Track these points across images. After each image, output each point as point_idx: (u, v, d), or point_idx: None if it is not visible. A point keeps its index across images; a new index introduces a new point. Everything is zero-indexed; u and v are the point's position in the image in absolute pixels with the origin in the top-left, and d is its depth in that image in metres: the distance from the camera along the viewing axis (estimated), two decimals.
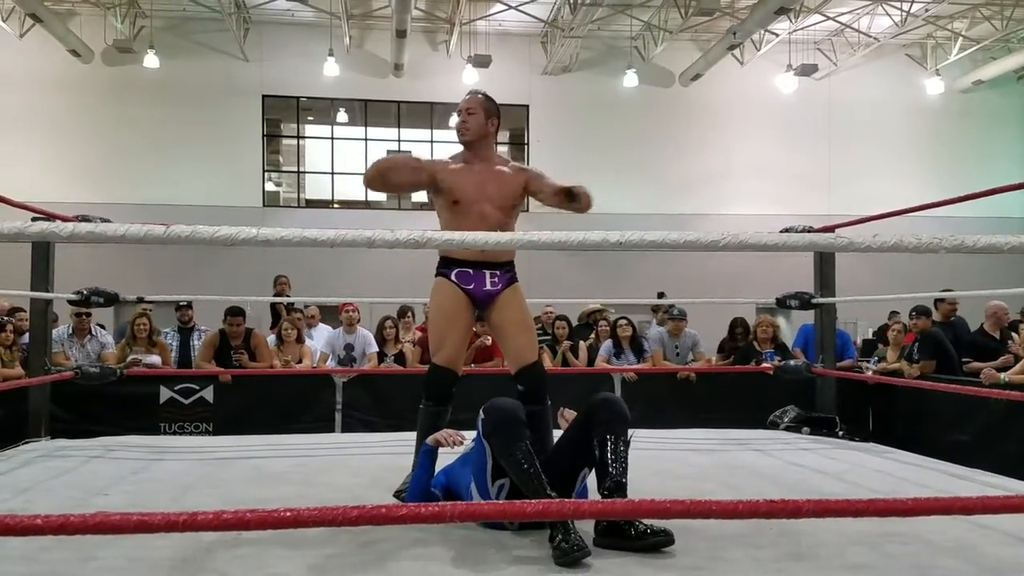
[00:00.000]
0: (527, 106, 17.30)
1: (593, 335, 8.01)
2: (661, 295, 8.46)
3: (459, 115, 3.32)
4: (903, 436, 5.18)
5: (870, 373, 6.25)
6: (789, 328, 11.06)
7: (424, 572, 2.24)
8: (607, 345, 7.21)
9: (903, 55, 17.57)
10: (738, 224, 15.25)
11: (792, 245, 2.11)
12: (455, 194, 3.20)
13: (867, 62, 17.15)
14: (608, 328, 7.43)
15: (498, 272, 3.24)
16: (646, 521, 2.40)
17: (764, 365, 5.82)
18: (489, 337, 6.73)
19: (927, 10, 15.41)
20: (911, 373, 5.83)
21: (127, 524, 1.43)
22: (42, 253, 4.58)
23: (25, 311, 6.34)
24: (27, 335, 6.03)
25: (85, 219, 3.67)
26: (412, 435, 4.56)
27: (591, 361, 7.25)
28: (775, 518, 1.63)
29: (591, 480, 2.68)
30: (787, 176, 16.90)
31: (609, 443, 2.55)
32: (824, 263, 4.90)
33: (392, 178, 3.23)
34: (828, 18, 15.99)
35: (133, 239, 1.74)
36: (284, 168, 17.98)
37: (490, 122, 3.31)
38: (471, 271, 3.21)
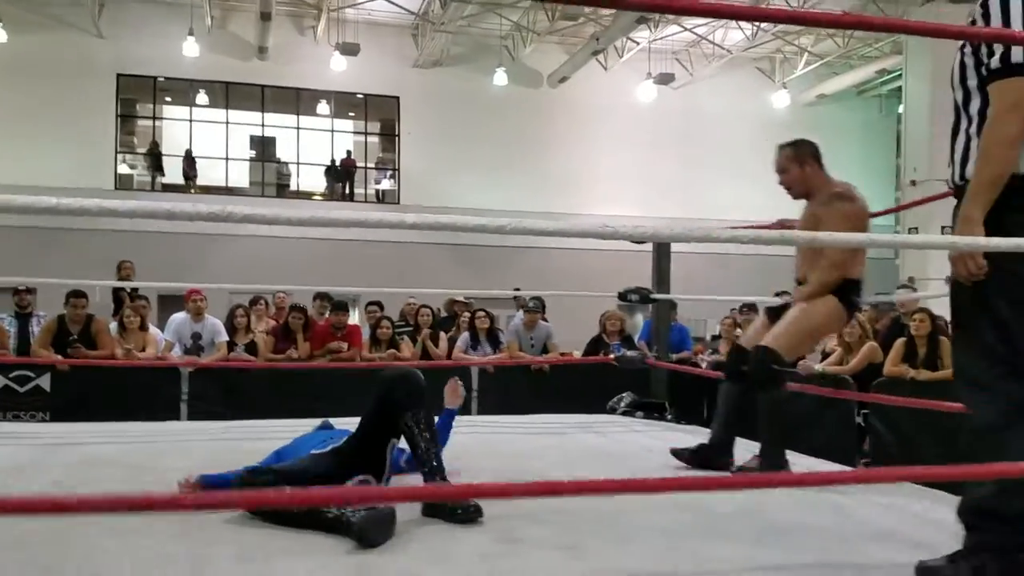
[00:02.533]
0: (397, 98, 17.27)
1: (455, 327, 8.16)
2: (517, 290, 8.76)
3: None
4: None
5: (704, 365, 6.71)
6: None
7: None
8: (464, 337, 7.37)
9: (754, 68, 18.70)
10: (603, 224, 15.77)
11: (625, 235, 2.25)
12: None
13: (721, 73, 18.15)
14: (468, 320, 7.59)
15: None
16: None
17: (609, 356, 6.14)
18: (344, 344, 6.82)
19: (776, 25, 16.48)
20: None
21: None
22: None
23: None
24: None
25: None
26: (261, 423, 4.57)
27: (451, 352, 7.39)
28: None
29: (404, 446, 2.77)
30: (648, 181, 17.59)
31: (413, 427, 2.60)
32: (661, 260, 5.22)
33: None
34: (685, 29, 16.82)
35: None
36: (139, 150, 17.16)
37: (805, 168, 3.41)
38: None
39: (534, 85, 17.68)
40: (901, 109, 15.90)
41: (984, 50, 2.00)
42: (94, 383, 5.76)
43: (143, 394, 5.81)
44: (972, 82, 2.06)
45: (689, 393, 5.90)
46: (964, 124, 2.12)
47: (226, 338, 6.66)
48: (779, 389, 3.26)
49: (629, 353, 5.71)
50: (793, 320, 3.28)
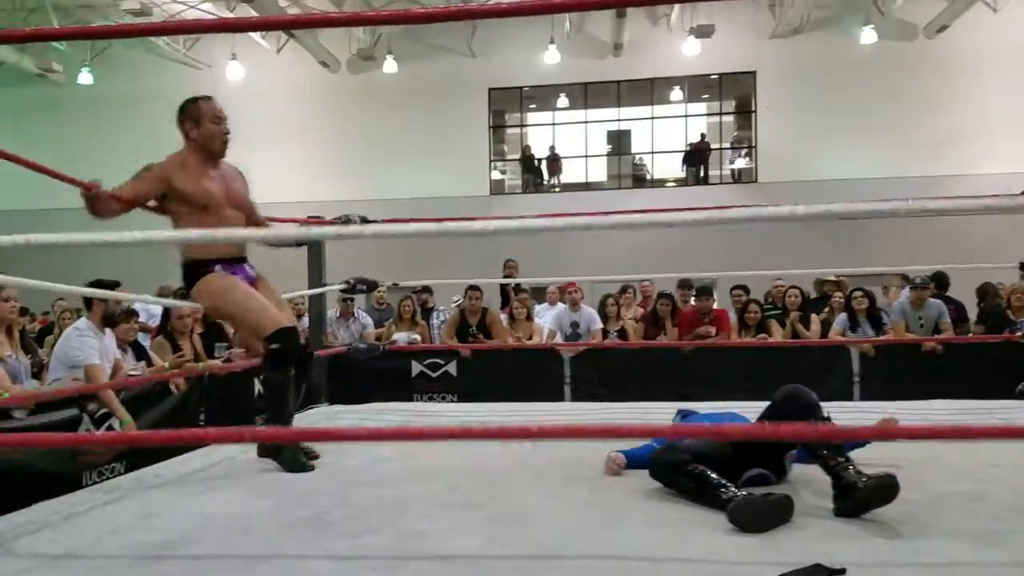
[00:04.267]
0: (754, 72, 16.78)
1: (827, 309, 7.77)
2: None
3: (222, 123, 3.39)
4: None
5: None
6: None
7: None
8: (841, 318, 6.99)
9: None
10: (995, 184, 13.81)
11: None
12: (203, 199, 3.28)
13: None
14: (842, 301, 7.19)
15: (249, 264, 3.50)
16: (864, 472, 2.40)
17: (1016, 334, 5.43)
18: (712, 328, 6.90)
19: None
20: None
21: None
22: (316, 250, 5.34)
23: (302, 297, 7.34)
24: (303, 319, 7.01)
25: (347, 219, 4.26)
26: (637, 404, 4.82)
27: (825, 336, 7.06)
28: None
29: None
30: None
31: (823, 453, 2.49)
32: None
33: (101, 210, 3.09)
34: None
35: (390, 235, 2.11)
36: (509, 157, 18.77)
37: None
38: (233, 265, 3.40)
39: (908, 39, 15.99)
40: None
41: None
42: (492, 368, 6.51)
43: (533, 377, 6.44)
44: None
45: None
46: None
47: (601, 326, 7.10)
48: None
49: None
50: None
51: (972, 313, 7.52)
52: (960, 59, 15.59)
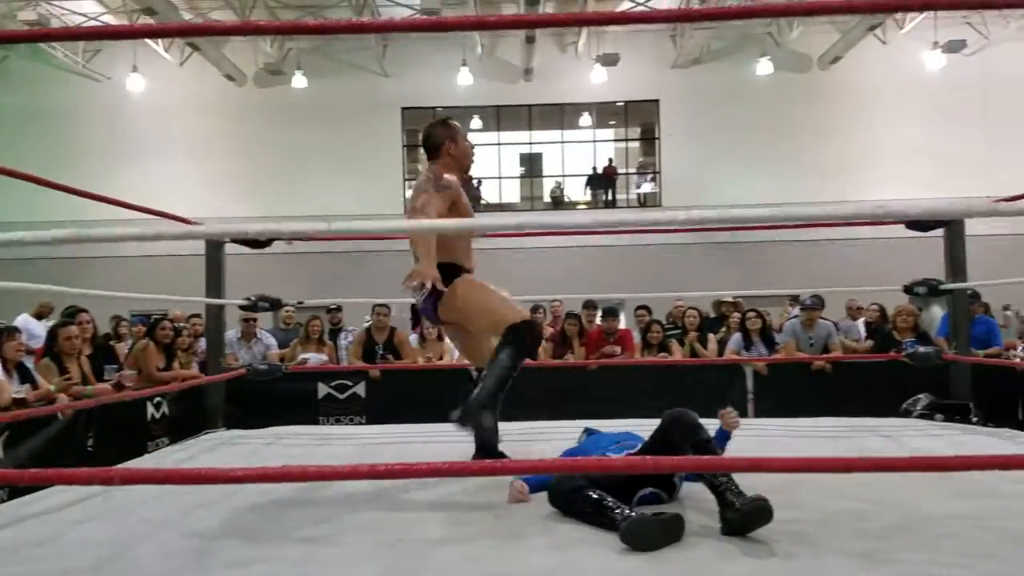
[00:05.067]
0: (657, 101, 17.31)
1: (724, 328, 8.04)
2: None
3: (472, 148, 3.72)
4: None
5: (1020, 360, 6.00)
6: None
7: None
8: (736, 338, 7.24)
9: None
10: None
11: (899, 213, 2.14)
12: (465, 213, 3.57)
13: (1022, 34, 16.03)
14: (739, 321, 7.46)
15: None
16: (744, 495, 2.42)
17: (900, 354, 5.72)
18: (617, 348, 7.06)
19: None
20: None
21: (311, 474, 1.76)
22: (215, 265, 5.16)
23: (200, 317, 7.11)
24: (202, 340, 6.79)
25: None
26: (553, 424, 4.84)
27: (721, 355, 7.30)
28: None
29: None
30: (940, 159, 16.05)
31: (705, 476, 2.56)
32: (953, 247, 4.77)
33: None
34: None
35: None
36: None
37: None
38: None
39: (802, 70, 16.85)
40: None
41: None
42: (403, 388, 6.44)
43: (444, 397, 6.37)
44: None
45: (998, 392, 5.32)
46: None
47: None
48: None
49: (922, 349, 5.27)
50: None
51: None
52: (852, 89, 16.52)
